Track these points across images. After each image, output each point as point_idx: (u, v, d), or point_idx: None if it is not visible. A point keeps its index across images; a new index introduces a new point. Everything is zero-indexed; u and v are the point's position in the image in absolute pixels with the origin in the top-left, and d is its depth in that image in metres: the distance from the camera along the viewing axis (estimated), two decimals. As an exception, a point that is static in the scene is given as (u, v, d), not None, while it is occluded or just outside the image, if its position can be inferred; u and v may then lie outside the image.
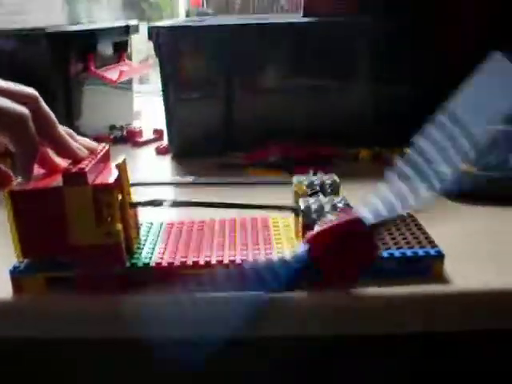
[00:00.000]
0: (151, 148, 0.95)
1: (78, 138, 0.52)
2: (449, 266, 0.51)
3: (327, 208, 0.48)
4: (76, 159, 0.49)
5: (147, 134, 1.01)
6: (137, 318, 0.49)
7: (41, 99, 0.48)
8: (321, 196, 0.51)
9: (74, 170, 0.47)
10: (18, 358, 0.55)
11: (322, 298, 0.48)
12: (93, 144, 0.52)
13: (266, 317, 0.49)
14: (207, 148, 0.87)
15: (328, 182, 0.53)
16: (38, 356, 0.55)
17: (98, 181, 0.48)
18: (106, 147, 0.53)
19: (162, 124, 0.93)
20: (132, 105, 1.14)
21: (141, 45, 1.39)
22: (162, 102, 0.88)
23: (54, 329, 0.50)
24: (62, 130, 0.50)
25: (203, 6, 1.51)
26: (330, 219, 0.46)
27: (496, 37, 0.83)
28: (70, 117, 0.90)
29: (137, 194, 0.54)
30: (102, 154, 0.52)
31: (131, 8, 1.74)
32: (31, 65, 0.84)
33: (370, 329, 0.50)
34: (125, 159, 0.51)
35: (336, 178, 0.55)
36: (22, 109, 0.46)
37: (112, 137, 0.99)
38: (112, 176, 0.49)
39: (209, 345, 0.46)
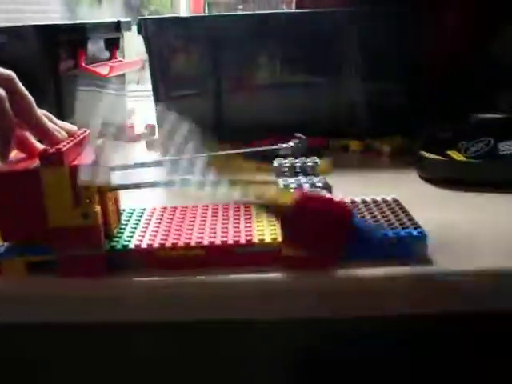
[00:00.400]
0: (143, 143, 0.95)
1: (58, 121, 0.51)
2: (433, 249, 0.50)
3: (306, 186, 0.48)
4: (54, 141, 0.49)
5: (140, 130, 1.01)
6: (117, 301, 0.49)
7: (17, 81, 0.48)
8: (301, 176, 0.51)
9: (50, 150, 0.46)
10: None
11: (305, 281, 0.48)
12: (72, 127, 0.52)
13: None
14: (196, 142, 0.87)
15: (309, 163, 0.53)
16: (17, 341, 0.54)
17: (76, 162, 0.48)
18: (87, 132, 0.53)
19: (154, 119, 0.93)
20: (125, 102, 1.13)
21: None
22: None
23: (34, 313, 0.50)
24: (40, 112, 0.49)
25: (205, 11, 1.52)
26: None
27: (484, 27, 0.83)
28: (60, 114, 0.90)
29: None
30: (81, 137, 0.51)
31: (131, 13, 1.75)
32: (20, 60, 0.84)
33: (353, 311, 0.49)
34: (104, 142, 0.51)
35: (317, 159, 0.54)
36: None
37: (104, 133, 0.99)
38: (89, 157, 0.49)
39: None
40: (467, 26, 0.83)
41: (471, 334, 0.54)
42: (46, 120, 0.49)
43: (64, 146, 0.47)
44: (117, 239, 0.51)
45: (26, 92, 0.48)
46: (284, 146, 0.55)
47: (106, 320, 0.49)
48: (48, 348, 0.55)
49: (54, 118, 0.51)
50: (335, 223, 0.44)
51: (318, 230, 0.44)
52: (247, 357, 0.55)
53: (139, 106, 1.23)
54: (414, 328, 0.54)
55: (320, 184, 0.49)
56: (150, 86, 0.90)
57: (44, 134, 0.49)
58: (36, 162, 0.48)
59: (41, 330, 0.52)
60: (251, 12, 0.88)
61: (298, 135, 0.56)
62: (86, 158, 0.49)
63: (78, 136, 0.51)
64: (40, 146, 0.51)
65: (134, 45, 1.29)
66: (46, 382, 0.58)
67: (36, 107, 0.49)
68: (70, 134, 0.51)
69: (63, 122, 0.52)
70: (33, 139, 0.51)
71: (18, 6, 1.41)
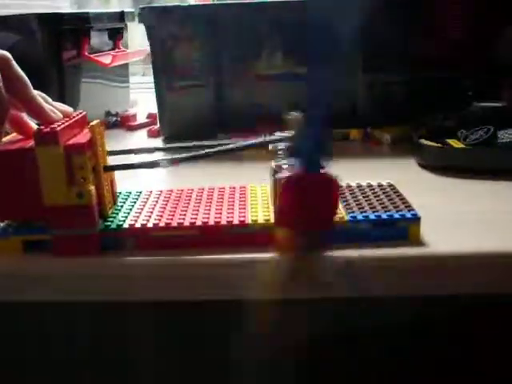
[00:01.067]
0: (144, 132, 0.95)
1: (53, 102, 0.52)
2: (427, 231, 0.50)
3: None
4: (49, 121, 0.49)
5: (141, 119, 1.02)
6: (111, 280, 0.49)
7: (12, 61, 0.48)
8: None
9: (45, 129, 0.47)
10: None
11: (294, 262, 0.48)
12: (68, 108, 0.52)
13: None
14: (198, 131, 0.87)
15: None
16: (13, 319, 0.55)
17: (71, 142, 0.48)
18: (83, 113, 0.54)
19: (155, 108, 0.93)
20: (128, 93, 1.14)
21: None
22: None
23: (30, 291, 0.50)
24: (36, 93, 0.50)
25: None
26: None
27: (486, 14, 0.83)
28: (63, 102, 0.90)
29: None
30: (77, 118, 0.52)
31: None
32: (23, 49, 0.85)
33: (345, 292, 0.49)
34: (99, 123, 0.51)
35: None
36: None
37: (107, 122, 1.00)
38: (85, 138, 0.49)
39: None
40: (468, 14, 0.82)
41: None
42: (41, 100, 0.50)
43: (59, 125, 0.48)
44: (111, 219, 0.51)
45: (22, 72, 0.49)
46: (281, 134, 0.55)
47: (100, 299, 0.50)
48: (43, 326, 0.55)
49: (50, 99, 0.52)
50: (321, 197, 0.44)
51: (308, 204, 0.44)
52: (234, 334, 0.55)
53: (143, 97, 1.24)
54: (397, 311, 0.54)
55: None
56: (151, 79, 0.91)
57: (39, 113, 0.49)
58: (32, 143, 0.48)
59: (36, 308, 0.52)
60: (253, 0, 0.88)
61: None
62: (81, 138, 0.49)
63: (74, 117, 0.52)
64: (35, 127, 0.51)
65: (137, 37, 1.30)
66: (40, 360, 0.58)
67: (31, 88, 0.49)
68: (66, 115, 0.51)
69: (59, 103, 0.52)
70: (29, 120, 0.51)
71: (26, 1, 1.41)
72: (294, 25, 0.84)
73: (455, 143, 0.73)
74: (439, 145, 0.72)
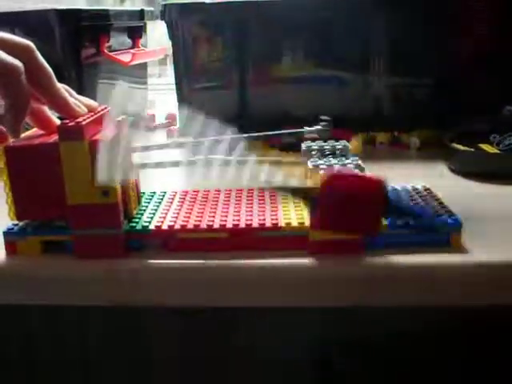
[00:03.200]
0: (163, 132, 0.93)
1: (78, 96, 0.49)
2: (467, 239, 0.48)
3: (337, 167, 0.45)
4: (74, 115, 0.47)
5: (161, 120, 0.99)
6: (136, 284, 0.47)
7: (36, 52, 0.46)
8: (331, 158, 0.48)
9: (70, 124, 0.44)
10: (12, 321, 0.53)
11: (334, 266, 0.45)
12: (92, 102, 0.50)
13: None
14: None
15: (339, 146, 0.50)
16: (31, 322, 0.53)
17: (96, 137, 0.46)
18: (108, 108, 0.51)
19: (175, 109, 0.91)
20: (146, 93, 1.12)
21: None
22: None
23: (49, 294, 0.48)
24: (60, 86, 0.47)
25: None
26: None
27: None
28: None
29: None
30: (101, 113, 0.49)
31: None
32: (40, 45, 0.83)
33: (387, 300, 0.47)
34: (125, 118, 0.49)
35: (347, 143, 0.52)
36: (14, 60, 0.44)
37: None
38: (110, 133, 0.46)
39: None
40: (495, 13, 0.79)
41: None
42: (65, 93, 0.47)
43: (84, 120, 0.45)
44: (136, 220, 0.49)
45: (46, 64, 0.46)
46: (309, 128, 0.53)
47: (122, 303, 0.47)
48: (61, 330, 0.53)
49: (74, 93, 0.49)
50: (367, 200, 0.41)
51: (348, 208, 0.42)
52: (262, 345, 0.53)
53: (160, 98, 1.22)
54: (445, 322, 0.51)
55: (351, 165, 0.46)
56: (171, 80, 0.88)
57: (63, 107, 0.47)
58: (55, 138, 0.46)
59: (55, 312, 0.50)
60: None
61: (324, 117, 0.53)
62: (107, 133, 0.47)
63: (99, 112, 0.49)
64: (58, 122, 0.49)
65: (157, 37, 1.28)
66: (58, 364, 0.56)
67: (55, 80, 0.47)
68: (91, 110, 0.49)
69: (84, 97, 0.50)
70: (51, 114, 0.49)
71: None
72: (319, 25, 0.82)
73: (488, 148, 0.70)
74: (474, 150, 0.69)
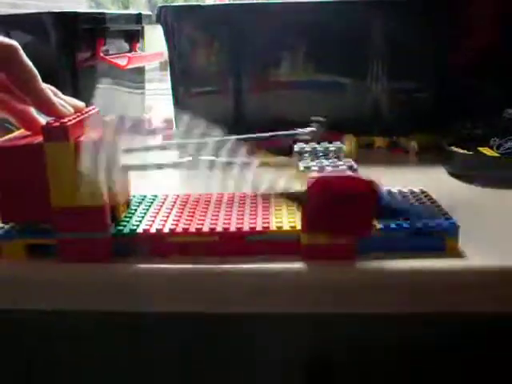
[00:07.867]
0: (159, 136, 0.92)
1: (64, 96, 0.48)
2: (463, 243, 0.46)
3: (328, 169, 0.44)
4: (59, 116, 0.46)
5: (157, 124, 0.98)
6: (123, 289, 0.45)
7: (20, 51, 0.45)
8: (323, 159, 0.47)
9: (54, 124, 0.43)
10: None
11: (326, 270, 0.44)
12: (79, 103, 0.49)
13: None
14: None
15: (332, 148, 0.49)
16: (15, 327, 0.51)
17: (82, 138, 0.45)
18: (96, 109, 0.50)
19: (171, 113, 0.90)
20: (143, 98, 1.11)
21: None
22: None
23: (33, 299, 0.46)
24: (45, 86, 0.46)
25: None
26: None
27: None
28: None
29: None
30: (89, 114, 0.48)
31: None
32: (36, 49, 0.82)
33: (379, 306, 0.45)
34: (113, 119, 0.48)
35: (341, 144, 0.51)
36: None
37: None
38: (97, 134, 0.45)
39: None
40: (495, 19, 0.78)
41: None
42: (50, 93, 0.46)
43: (69, 120, 0.44)
44: (124, 223, 0.47)
45: (30, 64, 0.45)
46: (301, 130, 0.52)
47: (109, 309, 0.46)
48: (47, 335, 0.51)
49: (60, 93, 0.48)
50: (357, 200, 0.40)
51: (337, 209, 0.40)
52: (252, 350, 0.51)
53: (157, 103, 1.21)
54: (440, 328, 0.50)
55: (344, 167, 0.45)
56: (167, 85, 0.87)
57: (48, 107, 0.45)
58: (40, 139, 0.45)
59: (40, 317, 0.49)
60: (276, 1, 0.84)
61: (316, 118, 0.52)
62: (92, 134, 0.46)
63: (86, 112, 0.48)
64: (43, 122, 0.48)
65: (155, 42, 1.27)
66: (43, 370, 0.54)
67: (40, 80, 0.46)
68: (77, 110, 0.48)
69: (69, 98, 0.48)
70: (37, 115, 0.47)
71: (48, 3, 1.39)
72: (318, 26, 0.81)
73: (488, 151, 0.69)
74: (473, 153, 0.68)
